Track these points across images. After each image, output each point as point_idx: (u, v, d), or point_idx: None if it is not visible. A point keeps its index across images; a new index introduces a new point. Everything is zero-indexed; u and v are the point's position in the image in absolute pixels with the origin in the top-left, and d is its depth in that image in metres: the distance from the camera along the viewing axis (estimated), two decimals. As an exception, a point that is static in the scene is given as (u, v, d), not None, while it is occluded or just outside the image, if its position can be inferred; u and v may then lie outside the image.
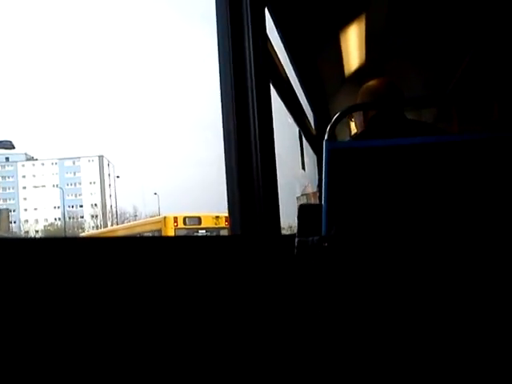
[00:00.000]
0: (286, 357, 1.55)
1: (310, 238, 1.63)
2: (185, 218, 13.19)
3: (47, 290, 0.60)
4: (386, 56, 3.84)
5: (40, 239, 0.65)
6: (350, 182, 1.64)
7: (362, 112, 2.30)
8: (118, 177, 60.50)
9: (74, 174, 61.64)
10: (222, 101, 1.61)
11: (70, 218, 53.64)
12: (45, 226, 51.80)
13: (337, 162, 1.62)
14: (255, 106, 1.60)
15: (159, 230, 12.77)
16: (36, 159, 62.71)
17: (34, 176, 61.18)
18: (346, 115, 1.89)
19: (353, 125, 3.59)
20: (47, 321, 0.59)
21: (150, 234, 12.86)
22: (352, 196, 1.64)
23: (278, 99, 2.51)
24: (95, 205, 57.68)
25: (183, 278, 0.94)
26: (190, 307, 0.95)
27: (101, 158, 60.89)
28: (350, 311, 1.55)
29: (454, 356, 1.48)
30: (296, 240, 1.65)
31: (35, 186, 60.80)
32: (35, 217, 58.10)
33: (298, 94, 3.14)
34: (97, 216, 53.55)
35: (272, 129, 1.75)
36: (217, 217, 13.25)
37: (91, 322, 0.67)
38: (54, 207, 55.82)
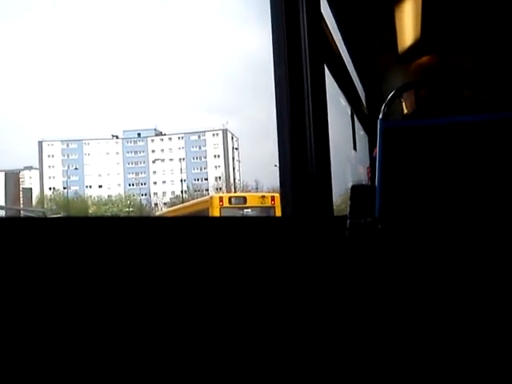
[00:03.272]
0: (337, 337, 1.55)
1: (363, 220, 1.61)
2: (230, 198, 13.84)
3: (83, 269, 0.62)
4: (444, 33, 3.69)
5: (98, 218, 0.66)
6: (405, 161, 1.61)
7: (412, 91, 2.24)
8: (236, 149, 61.37)
9: (200, 147, 63.18)
10: (275, 80, 1.60)
11: (195, 191, 55.41)
12: (171, 199, 53.91)
13: (391, 142, 1.58)
14: (309, 86, 1.58)
15: (207, 209, 13.25)
16: (164, 134, 64.92)
17: (162, 150, 63.66)
18: (402, 93, 1.84)
19: (403, 104, 3.48)
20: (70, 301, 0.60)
21: (200, 213, 13.39)
22: (407, 176, 1.61)
23: (331, 77, 2.47)
24: (219, 178, 59.17)
25: (234, 258, 0.95)
26: (240, 287, 0.96)
27: (224, 131, 61.59)
28: (403, 294, 1.53)
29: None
30: (348, 221, 1.63)
31: (160, 159, 63.38)
32: (163, 190, 60.33)
33: (350, 73, 3.08)
34: (221, 189, 54.74)
35: (326, 108, 1.73)
36: (263, 196, 13.86)
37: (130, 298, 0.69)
38: (181, 180, 57.94)
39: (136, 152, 64.21)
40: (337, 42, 2.54)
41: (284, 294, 1.16)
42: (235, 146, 61.44)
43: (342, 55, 2.76)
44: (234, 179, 56.59)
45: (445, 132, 1.57)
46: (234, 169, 59.39)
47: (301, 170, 1.56)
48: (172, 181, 59.27)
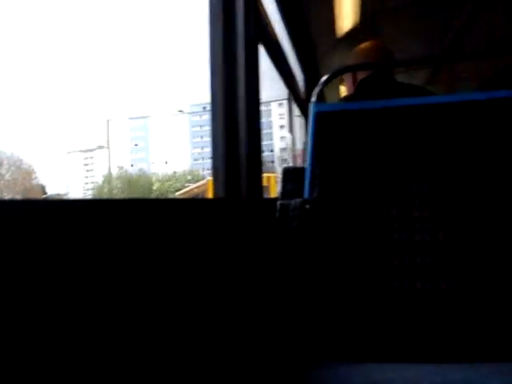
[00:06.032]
0: (270, 317, 1.58)
1: (292, 201, 1.63)
2: None
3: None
4: (381, 16, 3.76)
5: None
6: (336, 144, 1.63)
7: (351, 75, 2.28)
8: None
9: (266, 118, 61.41)
10: (210, 59, 1.58)
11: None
12: (265, 174, 53.00)
13: (323, 125, 1.60)
14: (243, 66, 1.57)
15: (205, 191, 13.22)
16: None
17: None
18: (334, 77, 1.86)
19: (343, 88, 3.53)
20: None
21: (201, 196, 13.33)
22: (337, 159, 1.63)
23: (268, 60, 2.47)
24: (284, 149, 57.48)
25: (169, 240, 0.94)
26: (172, 269, 0.95)
27: (290, 100, 59.86)
28: (332, 274, 1.57)
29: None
30: (278, 203, 1.65)
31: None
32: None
33: (288, 56, 3.09)
34: (286, 160, 53.15)
35: (259, 91, 1.73)
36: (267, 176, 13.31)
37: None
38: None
39: (201, 126, 63.07)
40: (274, 24, 2.53)
41: (215, 274, 1.17)
42: (301, 115, 60.32)
43: (280, 37, 2.75)
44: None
45: (375, 116, 1.60)
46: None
47: (233, 153, 1.55)
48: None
